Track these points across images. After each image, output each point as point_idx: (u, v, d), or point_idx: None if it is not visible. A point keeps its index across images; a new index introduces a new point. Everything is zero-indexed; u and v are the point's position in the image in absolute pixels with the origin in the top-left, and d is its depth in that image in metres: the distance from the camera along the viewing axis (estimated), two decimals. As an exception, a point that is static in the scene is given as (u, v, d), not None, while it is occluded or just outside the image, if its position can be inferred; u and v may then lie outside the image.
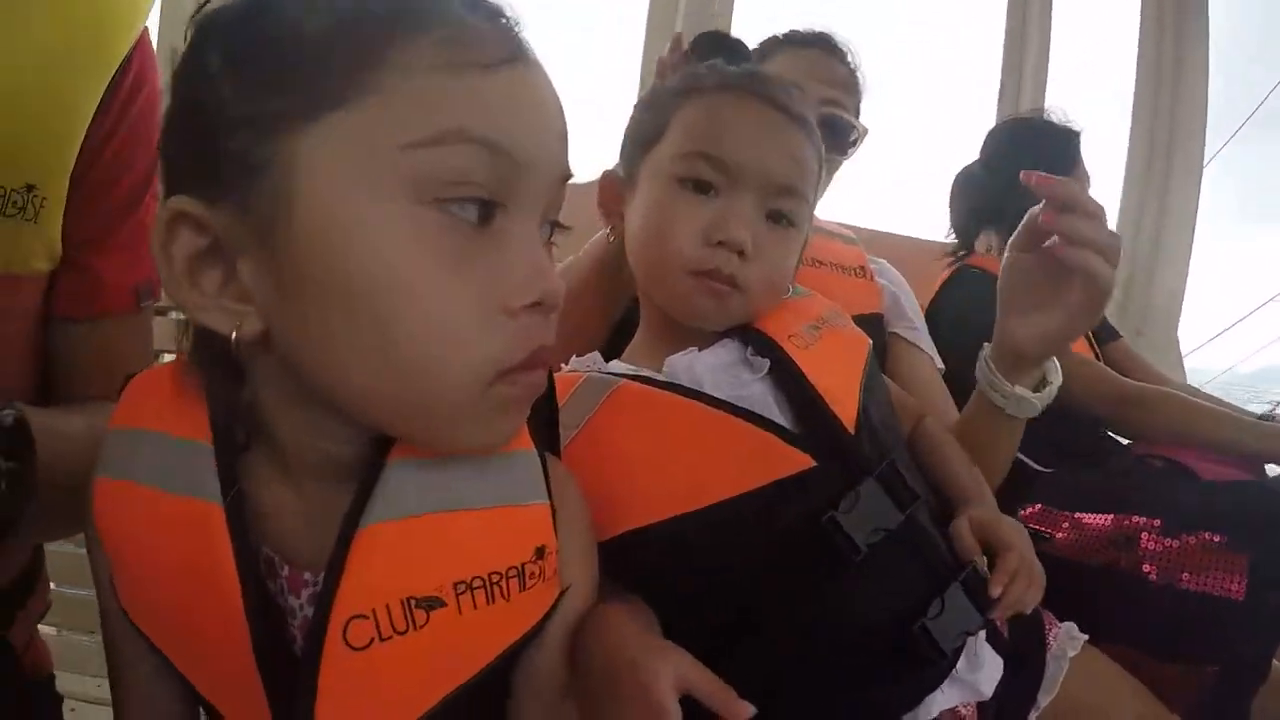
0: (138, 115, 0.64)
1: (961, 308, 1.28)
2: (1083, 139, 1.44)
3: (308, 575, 0.43)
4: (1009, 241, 0.75)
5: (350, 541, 0.40)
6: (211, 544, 0.40)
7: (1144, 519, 0.90)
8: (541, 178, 0.41)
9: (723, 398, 0.62)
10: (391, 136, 0.37)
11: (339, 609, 0.39)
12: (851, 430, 0.61)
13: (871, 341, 0.73)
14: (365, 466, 0.42)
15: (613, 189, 0.73)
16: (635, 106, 0.73)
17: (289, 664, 0.40)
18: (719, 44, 0.78)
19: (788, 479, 0.58)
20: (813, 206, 0.71)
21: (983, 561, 0.61)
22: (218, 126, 0.38)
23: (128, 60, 0.62)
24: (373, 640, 0.39)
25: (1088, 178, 1.43)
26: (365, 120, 0.37)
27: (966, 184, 1.47)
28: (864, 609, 0.57)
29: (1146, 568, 0.87)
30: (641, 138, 0.70)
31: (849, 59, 1.11)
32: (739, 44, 0.83)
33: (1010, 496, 1.04)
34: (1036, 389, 0.76)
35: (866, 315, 1.01)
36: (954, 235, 1.46)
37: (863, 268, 1.08)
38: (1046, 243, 0.70)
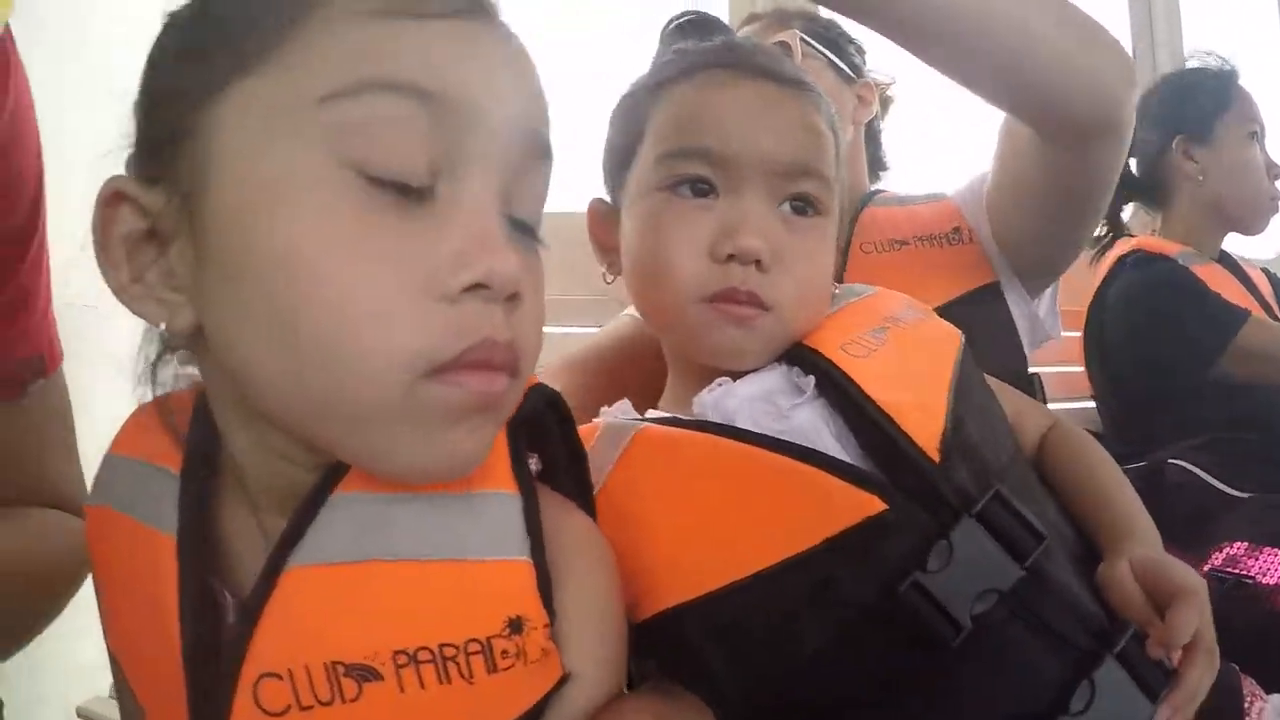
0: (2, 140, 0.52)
1: (1139, 303, 1.13)
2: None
3: None
4: None
5: (273, 584, 0.35)
6: (161, 579, 0.38)
7: None
8: (497, 136, 0.35)
9: (759, 431, 0.49)
10: (308, 90, 0.33)
11: (251, 663, 0.35)
12: (936, 456, 0.47)
13: (963, 336, 0.58)
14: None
15: (600, 218, 0.61)
16: (609, 120, 0.63)
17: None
18: (701, 28, 0.65)
19: (850, 531, 0.44)
20: (842, 187, 0.59)
21: (1155, 622, 0.45)
22: (151, 101, 0.37)
23: None
24: (289, 707, 0.34)
25: (1261, 126, 1.23)
26: (282, 77, 0.34)
27: None
28: (975, 709, 0.43)
29: None
30: (619, 152, 0.59)
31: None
32: (720, 23, 0.68)
33: (1197, 531, 0.85)
34: None
35: (979, 289, 0.85)
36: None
37: (958, 229, 0.88)
38: None
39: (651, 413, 0.58)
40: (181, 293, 0.36)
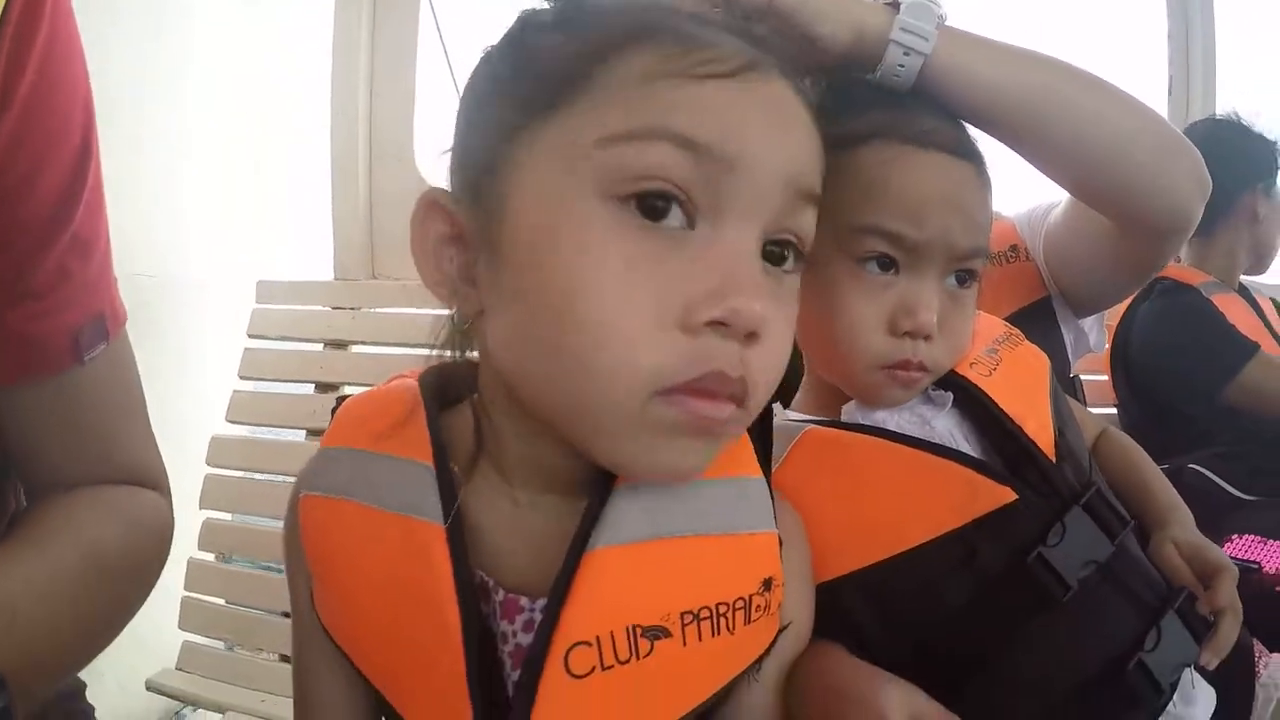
0: (36, 88, 0.44)
1: (1162, 327, 1.24)
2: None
3: (524, 601, 0.42)
4: None
5: (577, 566, 0.39)
6: (431, 566, 0.40)
7: None
8: (760, 183, 0.38)
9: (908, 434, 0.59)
10: (590, 135, 0.37)
11: (562, 635, 0.38)
12: (1054, 457, 0.59)
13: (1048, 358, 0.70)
14: (590, 486, 0.42)
15: None
16: None
17: (498, 689, 0.41)
18: None
19: (990, 515, 0.55)
20: None
21: (1199, 588, 0.60)
22: (469, 128, 0.43)
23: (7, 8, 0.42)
24: (594, 669, 0.38)
25: None
26: (572, 123, 0.38)
27: None
28: (1074, 648, 0.54)
29: None
30: None
31: None
32: None
33: (1212, 527, 0.99)
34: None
35: (1033, 304, 0.94)
36: None
37: (1015, 246, 0.96)
38: None
39: (796, 415, 0.66)
40: (476, 288, 0.42)
